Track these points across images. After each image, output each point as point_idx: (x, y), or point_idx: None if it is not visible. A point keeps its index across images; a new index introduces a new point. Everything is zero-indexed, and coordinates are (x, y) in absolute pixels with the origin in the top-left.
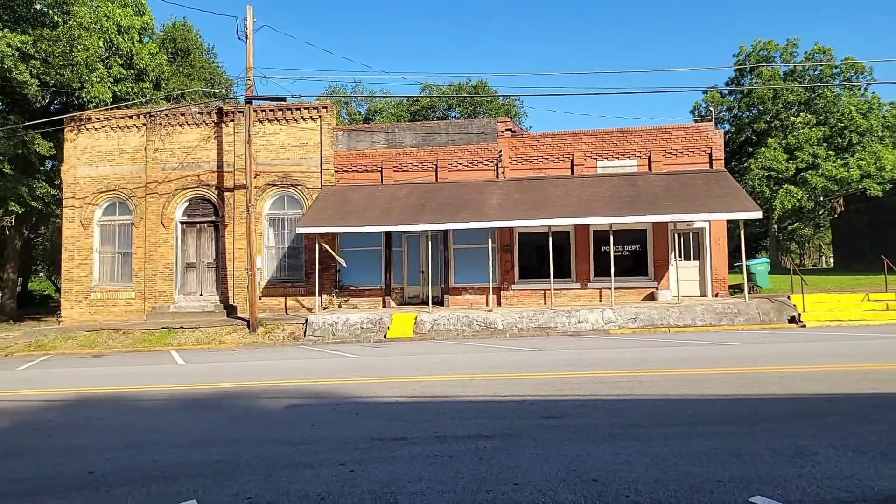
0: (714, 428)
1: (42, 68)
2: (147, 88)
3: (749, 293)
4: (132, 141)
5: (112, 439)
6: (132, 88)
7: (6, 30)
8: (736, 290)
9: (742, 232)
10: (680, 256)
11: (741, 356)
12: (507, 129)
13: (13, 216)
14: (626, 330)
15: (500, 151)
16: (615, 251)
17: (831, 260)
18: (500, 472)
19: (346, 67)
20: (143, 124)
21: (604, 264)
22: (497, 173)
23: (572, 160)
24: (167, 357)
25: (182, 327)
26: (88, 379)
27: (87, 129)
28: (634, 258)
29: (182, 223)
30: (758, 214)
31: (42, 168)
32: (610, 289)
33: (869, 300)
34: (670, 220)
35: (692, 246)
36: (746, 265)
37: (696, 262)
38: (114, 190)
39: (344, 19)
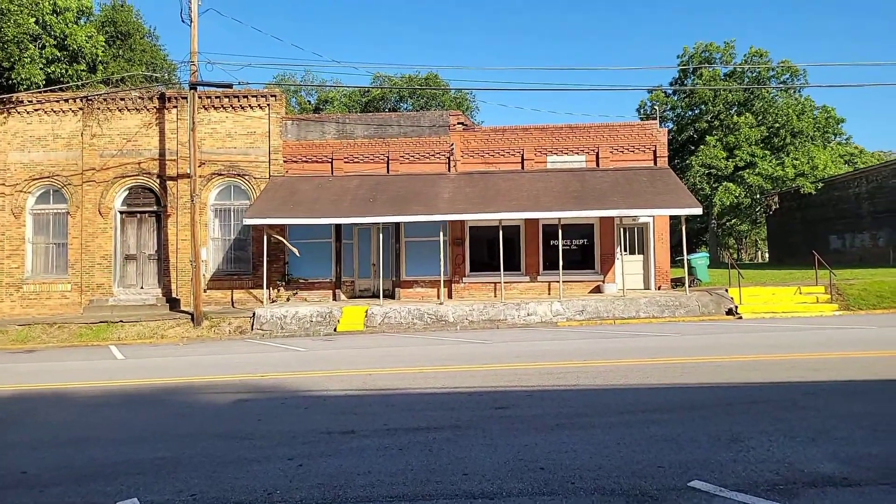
0: (655, 416)
1: None
2: (83, 71)
3: (690, 286)
4: (68, 126)
5: (47, 437)
6: (67, 70)
7: None
8: (678, 283)
9: (684, 227)
10: (625, 250)
11: (681, 347)
12: (458, 123)
13: None
14: (573, 322)
15: (452, 145)
16: (564, 245)
17: (767, 255)
18: (449, 462)
19: (296, 55)
20: (80, 109)
21: (553, 258)
22: (449, 166)
23: (523, 155)
24: (106, 352)
25: (122, 321)
26: (21, 375)
27: (19, 113)
28: (582, 252)
29: (122, 213)
30: (698, 210)
31: None
32: (558, 282)
33: (801, 293)
34: (616, 215)
35: (637, 240)
36: (687, 259)
37: (641, 256)
38: (48, 177)
39: (293, 6)
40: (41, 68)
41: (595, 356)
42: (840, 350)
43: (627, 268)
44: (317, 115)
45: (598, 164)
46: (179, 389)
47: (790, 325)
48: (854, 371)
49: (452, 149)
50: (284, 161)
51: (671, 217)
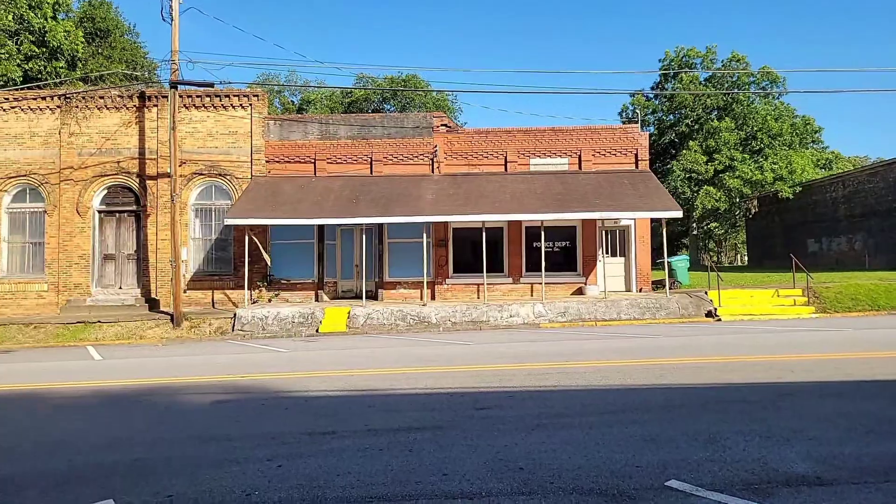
0: (634, 416)
1: None
2: (62, 68)
3: (670, 289)
4: (45, 124)
5: (22, 440)
6: (45, 67)
7: None
8: (658, 285)
9: (664, 230)
10: (607, 253)
11: (661, 348)
12: (442, 125)
13: None
14: (555, 324)
15: (436, 146)
16: (546, 247)
17: (746, 258)
18: (429, 463)
19: (279, 55)
20: (58, 106)
21: (535, 260)
22: (432, 168)
23: (506, 157)
24: (83, 353)
25: (100, 321)
26: None
27: None
28: (565, 254)
29: (100, 212)
30: (679, 214)
31: None
32: (541, 284)
33: (778, 296)
34: (598, 217)
35: (619, 243)
36: (668, 262)
37: (622, 259)
38: (24, 175)
39: (276, 6)
40: (18, 65)
41: (576, 357)
42: (816, 351)
43: (609, 270)
44: (300, 115)
45: (580, 167)
46: (158, 390)
47: (768, 327)
48: (829, 372)
49: (436, 150)
50: (267, 161)
51: (652, 220)
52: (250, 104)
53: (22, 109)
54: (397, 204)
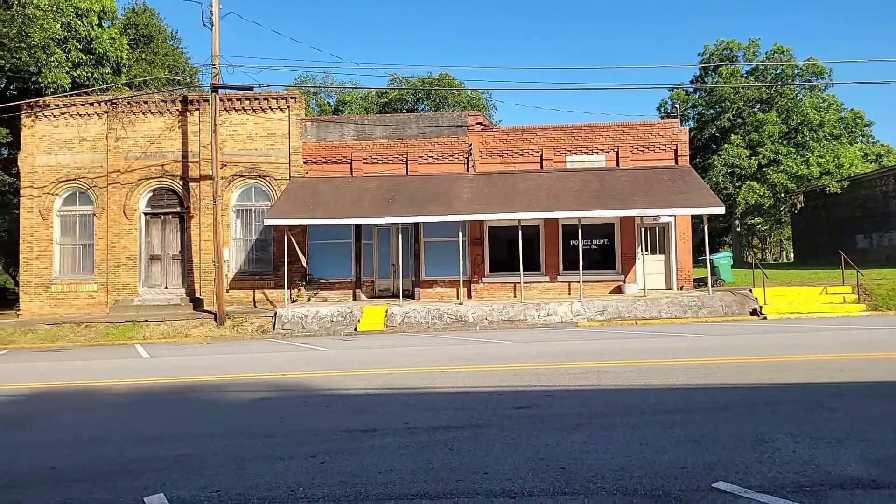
0: (677, 416)
1: None
2: (108, 74)
3: (713, 286)
4: (93, 129)
5: (75, 434)
6: (92, 74)
7: None
8: (700, 283)
9: (706, 227)
10: (646, 250)
11: (704, 347)
12: (477, 123)
13: None
14: (594, 322)
15: (471, 145)
16: (584, 245)
17: (791, 255)
18: (469, 461)
19: (316, 57)
20: (105, 112)
21: (572, 258)
22: (467, 167)
23: (542, 154)
24: (132, 351)
25: (147, 320)
26: (49, 374)
27: (46, 116)
28: (602, 252)
29: (146, 214)
30: (721, 210)
31: None
32: (578, 282)
33: (827, 293)
34: (637, 214)
35: (658, 240)
36: (710, 259)
37: (662, 256)
38: (74, 179)
39: (312, 7)
40: (67, 72)
41: (616, 356)
42: (867, 351)
43: (649, 268)
44: (336, 116)
45: (618, 164)
46: (203, 388)
47: (816, 325)
48: (882, 372)
49: (471, 149)
50: (304, 162)
51: (693, 216)
52: (288, 106)
53: (71, 115)
54: (433, 203)
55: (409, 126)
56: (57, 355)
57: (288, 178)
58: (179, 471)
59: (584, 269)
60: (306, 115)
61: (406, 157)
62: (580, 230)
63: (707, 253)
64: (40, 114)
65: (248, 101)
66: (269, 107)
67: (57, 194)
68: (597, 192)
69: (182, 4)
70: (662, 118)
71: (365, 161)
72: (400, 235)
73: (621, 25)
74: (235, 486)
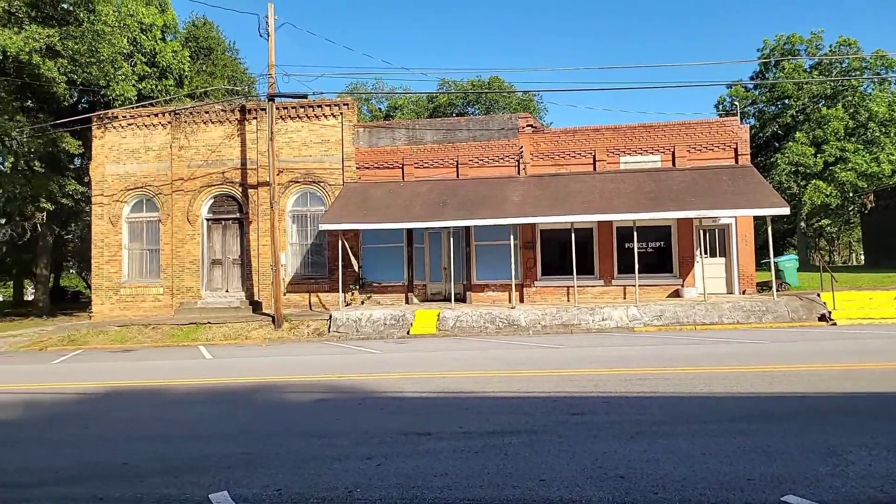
0: (742, 426)
1: (69, 66)
2: (171, 86)
3: (777, 291)
4: (158, 139)
5: (144, 431)
6: (156, 86)
7: (33, 25)
8: (764, 287)
9: (769, 228)
10: (705, 253)
11: (770, 354)
12: (527, 125)
13: (44, 213)
14: (651, 327)
15: (522, 147)
16: (639, 248)
17: (862, 257)
18: (525, 467)
19: (367, 64)
20: (169, 122)
21: (628, 261)
22: (518, 169)
23: (594, 156)
24: (195, 352)
25: (209, 322)
26: (120, 373)
27: (114, 127)
28: (659, 255)
29: (207, 220)
30: (785, 210)
31: (71, 166)
32: (634, 286)
33: None
34: (695, 216)
35: (718, 242)
36: (774, 262)
37: (723, 259)
38: (141, 187)
39: (362, 15)
40: (133, 85)
41: (675, 363)
42: None
43: (708, 271)
44: (387, 121)
45: (674, 164)
46: (263, 388)
47: (890, 331)
48: None
49: (522, 151)
50: (357, 168)
51: (755, 218)
52: (341, 113)
53: (137, 126)
54: (483, 206)
55: (460, 130)
56: (126, 356)
57: (341, 183)
58: (242, 469)
59: (639, 272)
60: (358, 122)
61: (457, 161)
62: (635, 232)
63: (771, 256)
64: (109, 125)
65: (302, 109)
66: (323, 114)
67: (125, 202)
68: (652, 193)
69: (239, 15)
70: (721, 116)
71: (416, 165)
72: (451, 239)
73: (675, 24)
74: (295, 485)
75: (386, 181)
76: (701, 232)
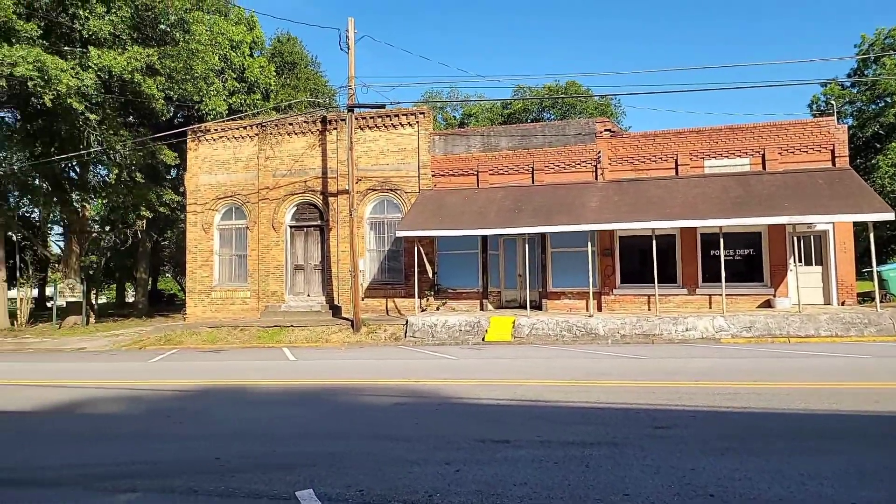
0: (844, 445)
1: (166, 83)
2: (258, 100)
3: (881, 302)
4: (246, 150)
5: (234, 428)
6: (245, 100)
7: (135, 45)
8: (865, 298)
9: (871, 235)
10: (799, 261)
11: (873, 370)
12: (605, 130)
13: (144, 221)
14: (739, 339)
15: (599, 153)
16: (726, 255)
17: None
18: (608, 480)
19: (442, 73)
20: (255, 134)
21: (713, 269)
22: (596, 175)
23: (676, 160)
24: (279, 353)
25: (292, 326)
26: (211, 372)
27: (207, 140)
28: (747, 263)
29: (291, 227)
30: (890, 216)
31: (168, 177)
32: (721, 295)
33: None
34: (788, 222)
35: (813, 250)
36: (878, 271)
37: (819, 268)
38: (230, 196)
39: (438, 24)
40: (224, 99)
41: (768, 377)
42: None
43: (802, 280)
44: (462, 129)
45: (764, 167)
46: (344, 390)
47: None
48: None
49: (599, 157)
50: (432, 175)
51: (855, 224)
52: (417, 122)
53: (227, 139)
54: (559, 213)
55: (535, 135)
56: (217, 355)
57: (417, 190)
58: (325, 468)
59: (726, 281)
60: (434, 130)
61: (532, 167)
62: (722, 239)
63: (874, 264)
64: (202, 138)
65: (380, 119)
66: (399, 123)
67: (216, 210)
68: (740, 198)
69: (321, 29)
70: (815, 116)
71: (491, 172)
72: (526, 245)
73: (760, 23)
74: (376, 486)
75: (461, 188)
76: (794, 239)
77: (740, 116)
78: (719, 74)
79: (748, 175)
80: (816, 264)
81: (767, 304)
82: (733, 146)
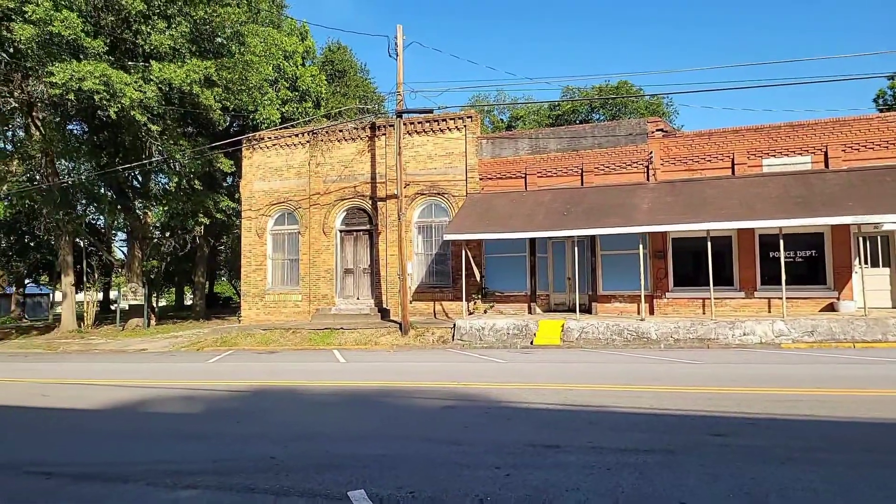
0: None
1: (223, 94)
2: (309, 108)
3: None
4: (297, 157)
5: (288, 429)
6: (297, 109)
7: (193, 58)
8: None
9: None
10: (865, 263)
11: None
12: (657, 130)
13: (202, 227)
14: (801, 344)
15: (651, 153)
16: (786, 257)
17: None
18: (663, 488)
19: (490, 76)
20: (307, 141)
21: (772, 271)
22: (647, 176)
23: (733, 159)
24: (330, 355)
25: (342, 328)
26: (265, 373)
27: (261, 148)
28: (809, 265)
29: (341, 231)
30: None
31: (224, 184)
32: (780, 298)
33: None
34: (853, 222)
35: (880, 251)
36: None
37: (886, 270)
38: (283, 202)
39: (486, 28)
40: (277, 108)
41: (832, 384)
42: None
43: (869, 283)
44: (509, 132)
45: (826, 165)
46: (393, 392)
47: None
48: None
49: (651, 157)
50: (480, 178)
51: None
52: (464, 126)
53: (280, 146)
54: (609, 214)
55: (584, 137)
56: (270, 357)
57: (465, 194)
58: (377, 469)
59: (786, 284)
60: (481, 133)
61: (581, 169)
62: (781, 241)
63: None
64: (256, 146)
65: (427, 124)
66: (447, 127)
67: (269, 215)
68: (801, 197)
69: (369, 36)
70: (881, 111)
71: (539, 175)
72: (575, 248)
73: (818, 17)
74: (426, 488)
75: (508, 191)
76: (860, 239)
77: (801, 113)
78: (778, 70)
79: (810, 174)
80: (884, 266)
81: (830, 308)
82: (794, 144)
